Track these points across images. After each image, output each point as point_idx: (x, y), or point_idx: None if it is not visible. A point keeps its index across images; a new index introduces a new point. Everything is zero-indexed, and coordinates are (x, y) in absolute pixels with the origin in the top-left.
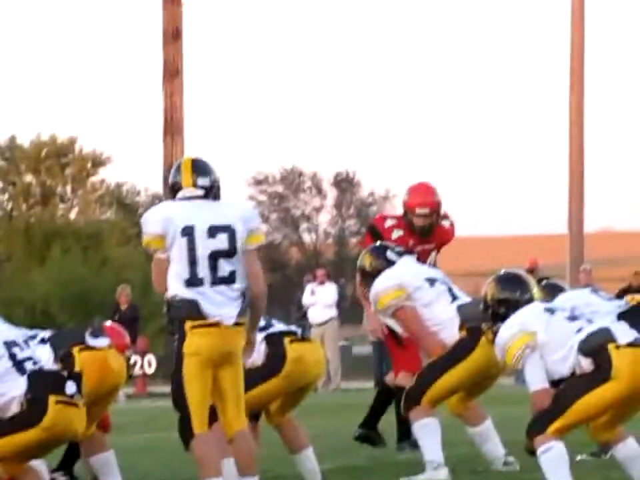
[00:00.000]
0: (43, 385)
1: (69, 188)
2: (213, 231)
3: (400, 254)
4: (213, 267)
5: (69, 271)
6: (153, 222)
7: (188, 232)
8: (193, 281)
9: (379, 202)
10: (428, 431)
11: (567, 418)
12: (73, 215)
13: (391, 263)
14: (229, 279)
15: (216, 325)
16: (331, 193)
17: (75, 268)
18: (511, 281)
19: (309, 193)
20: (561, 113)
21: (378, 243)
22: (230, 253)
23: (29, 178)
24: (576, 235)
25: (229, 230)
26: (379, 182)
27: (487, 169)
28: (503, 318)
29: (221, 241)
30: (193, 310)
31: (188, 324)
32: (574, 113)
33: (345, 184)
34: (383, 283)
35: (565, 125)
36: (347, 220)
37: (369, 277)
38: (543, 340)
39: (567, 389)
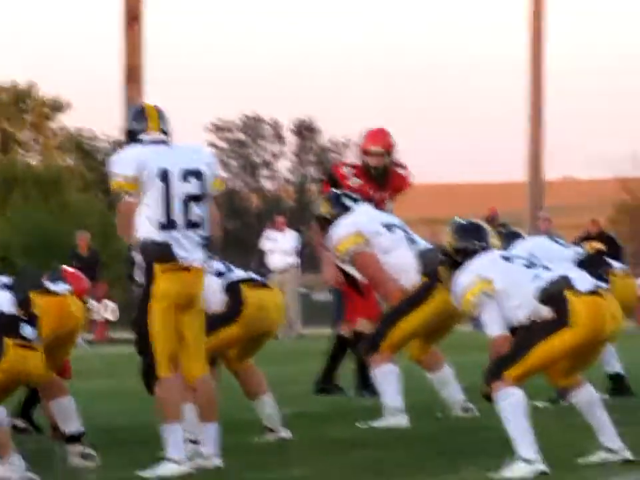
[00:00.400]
0: (0, 328)
1: (28, 134)
2: (185, 175)
3: (357, 201)
4: (185, 211)
5: (29, 217)
6: (125, 164)
7: (164, 175)
8: (167, 225)
9: (339, 149)
10: (387, 377)
11: (525, 364)
12: (32, 161)
13: (348, 210)
14: (198, 224)
15: (186, 269)
16: (291, 140)
17: (36, 214)
18: (468, 230)
19: (269, 139)
20: (521, 60)
21: (335, 190)
22: (200, 198)
23: None
24: (535, 183)
25: (199, 174)
26: (339, 129)
27: (447, 115)
28: (460, 266)
29: (193, 185)
30: (165, 253)
31: (158, 267)
32: (534, 60)
33: (305, 131)
34: (342, 230)
35: (525, 73)
36: (307, 167)
37: (327, 224)
38: (500, 287)
39: (525, 336)
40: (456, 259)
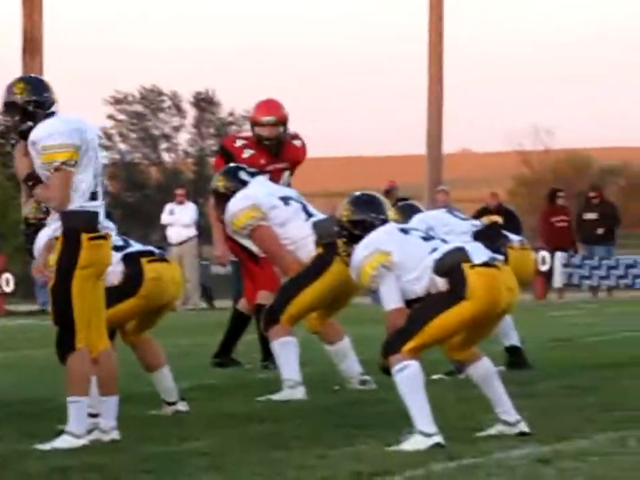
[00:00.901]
0: None
1: None
2: (99, 146)
3: (252, 174)
4: (101, 182)
5: None
6: (70, 134)
7: (93, 144)
8: (94, 194)
9: (239, 121)
10: (286, 349)
11: (422, 337)
12: None
13: (244, 184)
14: (106, 194)
15: (106, 237)
16: (191, 113)
17: None
18: (365, 203)
19: (169, 112)
20: (420, 32)
21: (230, 164)
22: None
23: None
24: (434, 156)
25: (102, 146)
26: (239, 102)
27: (346, 88)
28: (358, 239)
29: (103, 156)
30: (94, 222)
31: (85, 236)
32: (433, 34)
33: (204, 103)
34: (238, 204)
35: (423, 46)
36: (207, 139)
37: (223, 198)
38: (398, 260)
39: (422, 309)
40: (353, 232)
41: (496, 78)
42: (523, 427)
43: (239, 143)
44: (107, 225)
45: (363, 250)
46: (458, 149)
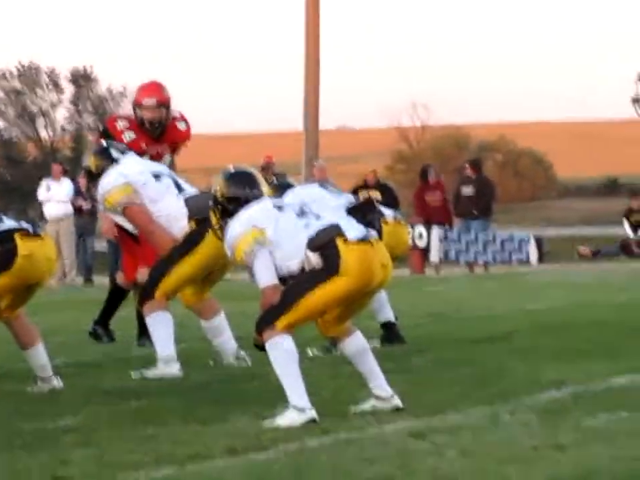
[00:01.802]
0: None
1: None
2: None
3: (124, 152)
4: None
5: None
6: None
7: None
8: None
9: (116, 98)
10: (160, 324)
11: (296, 313)
12: None
13: (115, 162)
14: None
15: None
16: (68, 89)
17: None
18: (240, 178)
19: (46, 88)
20: (297, 5)
21: (102, 143)
22: None
23: None
24: (311, 132)
25: None
26: (116, 78)
27: (221, 64)
28: (232, 214)
29: None
30: None
31: None
32: (310, 7)
33: (82, 80)
34: (109, 181)
35: (300, 23)
36: (84, 116)
37: (96, 177)
38: (272, 236)
39: (296, 285)
40: (228, 207)
41: (374, 55)
42: (397, 402)
43: (120, 125)
44: None
45: (237, 226)
46: (335, 126)
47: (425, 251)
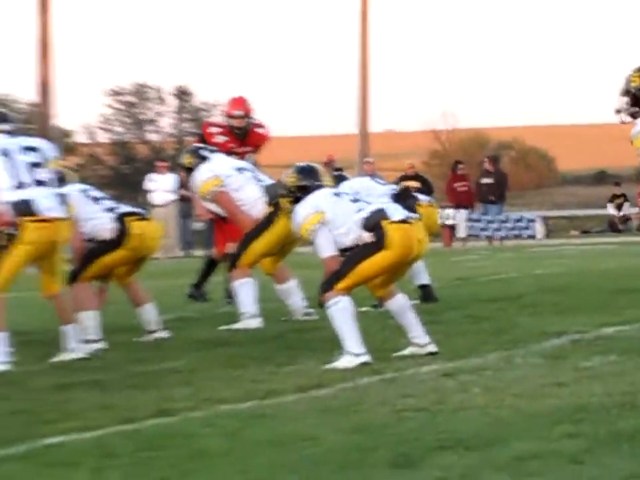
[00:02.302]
0: None
1: None
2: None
3: (212, 151)
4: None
5: None
6: None
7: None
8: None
9: (209, 109)
10: (245, 288)
11: (351, 278)
12: None
13: (205, 159)
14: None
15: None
16: (172, 102)
17: None
18: (307, 171)
19: (154, 101)
20: (352, 22)
21: (197, 145)
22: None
23: None
24: (363, 135)
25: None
26: (210, 93)
27: (295, 80)
28: (300, 200)
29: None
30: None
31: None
32: (362, 25)
33: (182, 94)
34: (202, 175)
35: (355, 39)
36: (185, 123)
37: (189, 171)
38: (331, 217)
39: (352, 256)
40: (297, 195)
41: (413, 69)
42: (432, 348)
43: (212, 129)
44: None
45: (303, 209)
46: (382, 129)
47: (453, 229)
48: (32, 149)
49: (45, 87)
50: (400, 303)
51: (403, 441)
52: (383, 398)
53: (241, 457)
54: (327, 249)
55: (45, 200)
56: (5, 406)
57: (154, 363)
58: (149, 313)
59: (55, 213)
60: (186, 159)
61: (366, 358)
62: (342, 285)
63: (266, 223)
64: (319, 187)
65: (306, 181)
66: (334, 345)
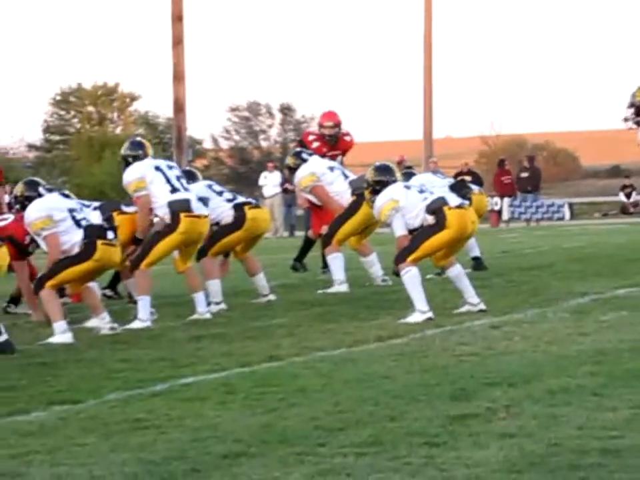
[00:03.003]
0: (93, 234)
1: (115, 114)
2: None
3: (310, 154)
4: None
5: (116, 166)
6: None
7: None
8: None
9: (308, 121)
10: (336, 260)
11: (419, 252)
12: (118, 131)
13: (305, 160)
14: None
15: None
16: (278, 116)
17: (120, 165)
18: (383, 169)
19: (264, 115)
20: (417, 37)
21: (298, 149)
22: None
23: (90, 108)
24: (427, 140)
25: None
26: (309, 108)
27: (364, 90)
28: (378, 192)
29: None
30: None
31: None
32: (427, 37)
33: (286, 110)
34: (302, 172)
35: (421, 60)
36: (288, 132)
37: (293, 170)
38: (403, 205)
39: (419, 234)
40: (375, 187)
41: (464, 80)
42: (482, 306)
43: (310, 137)
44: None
45: (381, 199)
46: (443, 135)
47: (499, 213)
48: (172, 166)
49: (178, 105)
50: (457, 271)
51: (460, 379)
52: (444, 345)
53: (334, 392)
54: (399, 229)
55: (194, 201)
56: (149, 354)
57: (265, 319)
58: (261, 281)
59: (201, 211)
60: (290, 160)
61: (431, 314)
62: (412, 257)
63: (352, 209)
64: (393, 181)
65: (383, 177)
66: (406, 305)
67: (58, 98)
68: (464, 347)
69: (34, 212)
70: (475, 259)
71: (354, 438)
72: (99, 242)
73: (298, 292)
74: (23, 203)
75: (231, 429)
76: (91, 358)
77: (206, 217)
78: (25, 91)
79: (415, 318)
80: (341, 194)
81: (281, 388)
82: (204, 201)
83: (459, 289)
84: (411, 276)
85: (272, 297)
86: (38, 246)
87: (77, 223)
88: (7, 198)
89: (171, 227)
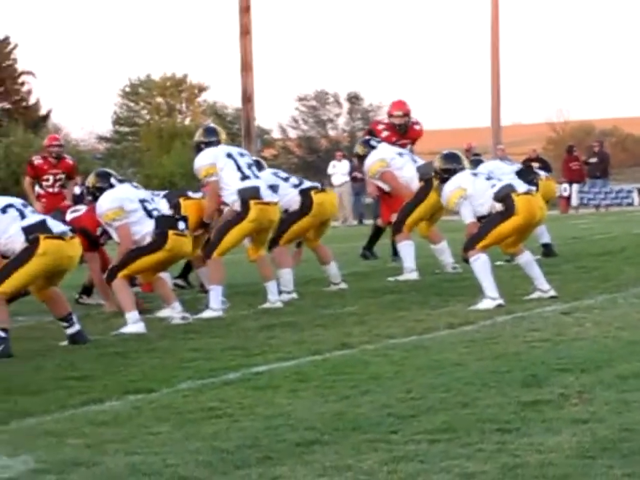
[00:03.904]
0: (164, 224)
1: (184, 105)
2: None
3: (379, 142)
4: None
5: (185, 156)
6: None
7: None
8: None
9: (376, 110)
10: (406, 248)
11: (488, 239)
12: (187, 122)
13: (373, 148)
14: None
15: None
16: (345, 105)
17: (189, 155)
18: (451, 157)
19: (332, 105)
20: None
21: (367, 137)
22: None
23: (159, 100)
24: (495, 127)
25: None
26: (377, 96)
27: (432, 77)
28: (446, 180)
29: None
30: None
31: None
32: (494, 23)
33: (353, 99)
34: (371, 159)
35: (487, 40)
36: (356, 121)
37: (362, 158)
38: (471, 192)
39: (487, 222)
40: (443, 175)
41: (531, 69)
42: (553, 292)
43: (380, 126)
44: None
45: (449, 187)
46: (510, 122)
47: (568, 199)
48: (243, 154)
49: (247, 95)
50: (526, 258)
51: (531, 365)
52: (515, 332)
53: (406, 380)
54: (468, 216)
55: (264, 189)
56: (221, 343)
57: (336, 307)
58: (332, 269)
59: (271, 198)
60: (359, 149)
61: (501, 301)
62: (481, 244)
63: (421, 195)
64: (461, 169)
65: (450, 165)
66: (476, 292)
67: (127, 90)
68: (535, 333)
69: (106, 203)
70: (545, 245)
71: (426, 425)
72: (170, 232)
73: (368, 280)
74: (94, 194)
75: (304, 417)
76: (164, 348)
77: (276, 204)
78: (94, 83)
79: (485, 305)
80: (410, 179)
81: (353, 375)
82: (274, 188)
83: (529, 276)
84: (480, 263)
85: (343, 285)
86: (110, 237)
87: (149, 213)
88: (77, 189)
89: (241, 215)
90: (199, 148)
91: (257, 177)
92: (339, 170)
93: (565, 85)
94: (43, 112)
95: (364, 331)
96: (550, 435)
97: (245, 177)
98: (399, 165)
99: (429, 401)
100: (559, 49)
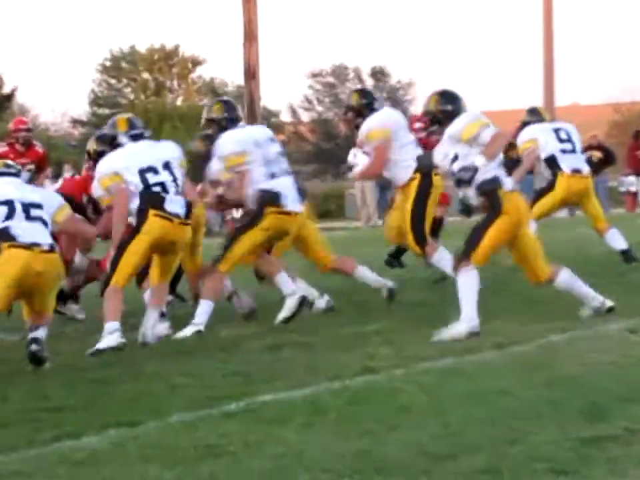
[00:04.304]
0: (147, 201)
1: (175, 82)
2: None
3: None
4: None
5: (177, 143)
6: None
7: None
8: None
9: (405, 87)
10: (441, 253)
11: (482, 248)
12: (178, 102)
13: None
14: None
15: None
16: (369, 82)
17: (181, 140)
18: (449, 95)
19: (352, 82)
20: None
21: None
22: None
23: (145, 75)
24: (549, 108)
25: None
26: (405, 72)
27: (480, 60)
28: (442, 125)
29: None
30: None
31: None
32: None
33: (379, 75)
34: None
35: (540, 19)
36: (382, 102)
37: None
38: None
39: (476, 229)
40: (440, 119)
41: (594, 47)
42: (609, 303)
43: (418, 125)
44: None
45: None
46: (568, 102)
47: (635, 194)
48: (273, 138)
49: (250, 70)
50: (565, 279)
51: (592, 392)
52: (572, 353)
53: (442, 411)
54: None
55: (289, 192)
56: (221, 367)
57: (357, 324)
58: (366, 273)
59: (295, 207)
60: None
61: (477, 329)
62: (475, 255)
63: (424, 190)
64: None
65: (449, 106)
66: (527, 307)
67: (107, 64)
68: (596, 354)
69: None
70: (624, 252)
71: (466, 466)
72: (152, 212)
73: (396, 291)
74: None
75: (319, 457)
76: (151, 372)
77: (300, 214)
78: (67, 55)
79: (455, 330)
80: (412, 161)
81: (379, 406)
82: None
83: (578, 296)
84: (468, 278)
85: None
86: (97, 211)
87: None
88: (47, 183)
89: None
90: (220, 126)
91: (288, 173)
92: (361, 160)
93: (631, 59)
94: (6, 90)
95: (391, 353)
96: (614, 478)
97: (272, 175)
98: (402, 142)
99: (469, 437)
100: (623, 19)
